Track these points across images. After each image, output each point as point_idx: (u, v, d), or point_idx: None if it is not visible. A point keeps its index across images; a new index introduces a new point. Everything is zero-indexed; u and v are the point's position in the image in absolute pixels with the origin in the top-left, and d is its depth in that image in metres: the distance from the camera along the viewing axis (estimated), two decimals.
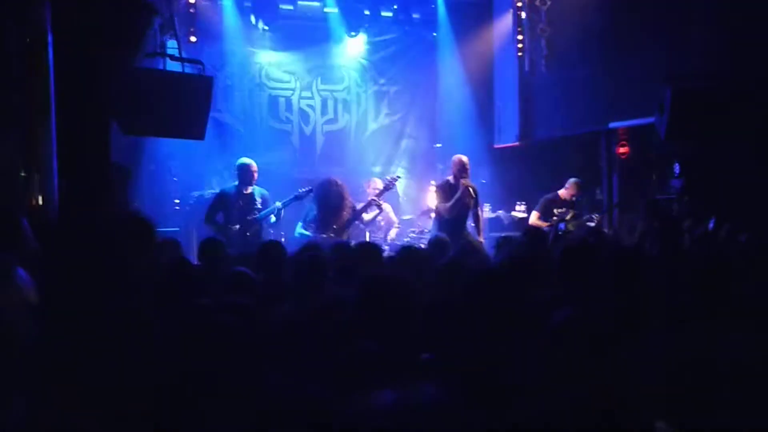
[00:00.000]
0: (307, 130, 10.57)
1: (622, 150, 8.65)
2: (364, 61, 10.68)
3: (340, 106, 10.70)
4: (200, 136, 5.83)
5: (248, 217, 6.94)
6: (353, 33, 10.22)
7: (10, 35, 2.78)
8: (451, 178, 7.29)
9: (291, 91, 10.43)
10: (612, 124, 8.27)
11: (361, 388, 1.02)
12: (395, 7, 10.34)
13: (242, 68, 10.05)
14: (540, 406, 1.24)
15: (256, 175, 7.04)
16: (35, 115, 2.93)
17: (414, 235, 8.67)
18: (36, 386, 1.17)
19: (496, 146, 10.08)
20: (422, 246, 7.90)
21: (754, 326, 2.15)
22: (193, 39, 8.92)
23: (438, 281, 3.41)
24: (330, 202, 6.91)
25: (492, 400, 1.47)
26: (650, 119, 6.83)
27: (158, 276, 3.00)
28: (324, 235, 6.78)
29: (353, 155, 10.57)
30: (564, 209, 7.64)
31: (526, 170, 9.39)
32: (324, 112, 10.64)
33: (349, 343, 2.18)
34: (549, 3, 9.04)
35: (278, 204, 7.00)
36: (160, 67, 6.71)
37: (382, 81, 10.78)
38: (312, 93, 10.53)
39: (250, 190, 7.03)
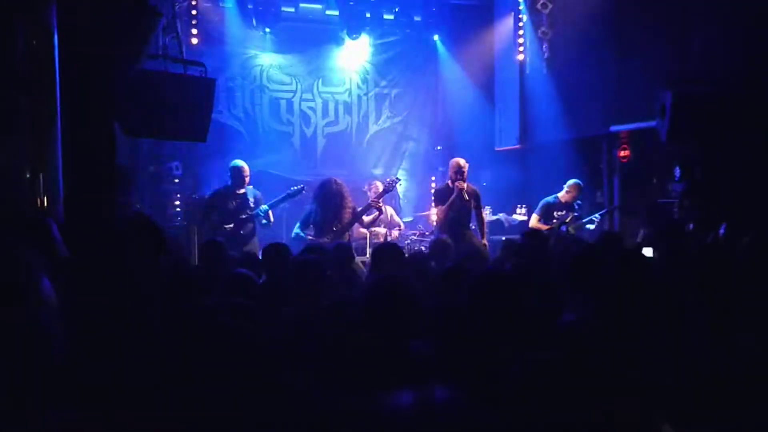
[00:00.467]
0: (308, 132, 10.58)
1: (623, 153, 8.65)
2: (365, 64, 10.69)
3: (341, 109, 10.71)
4: (202, 138, 5.84)
5: (242, 216, 7.15)
6: (355, 35, 10.23)
7: (17, 37, 2.79)
8: (449, 181, 7.33)
9: (292, 93, 10.44)
10: (613, 128, 8.27)
11: (378, 390, 1.02)
12: (397, 9, 10.36)
13: (244, 70, 10.07)
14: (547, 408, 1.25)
15: (248, 177, 7.34)
16: (41, 117, 2.93)
17: (415, 237, 8.68)
18: (66, 394, 1.17)
19: (497, 149, 10.09)
20: (423, 249, 7.96)
21: (759, 332, 2.16)
22: (195, 41, 8.94)
23: (442, 285, 3.41)
24: (330, 201, 6.94)
25: (500, 402, 1.48)
26: (652, 123, 6.83)
27: (158, 277, 3.00)
28: (322, 239, 6.79)
29: (354, 157, 10.59)
30: (564, 212, 7.64)
31: (527, 173, 9.41)
32: (325, 114, 10.65)
33: (359, 343, 2.18)
34: (550, 6, 9.05)
35: (264, 207, 7.18)
36: (162, 69, 6.72)
37: (383, 83, 10.80)
38: (313, 95, 10.54)
39: (243, 190, 7.29)
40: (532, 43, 9.37)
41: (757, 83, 6.31)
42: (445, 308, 2.76)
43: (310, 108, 10.57)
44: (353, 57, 10.55)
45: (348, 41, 10.30)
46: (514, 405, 1.73)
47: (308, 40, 10.28)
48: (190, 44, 8.67)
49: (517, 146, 9.59)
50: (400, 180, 7.92)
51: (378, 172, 10.47)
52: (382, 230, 8.39)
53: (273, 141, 10.26)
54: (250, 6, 9.70)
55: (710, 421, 1.74)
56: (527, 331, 2.57)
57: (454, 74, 10.60)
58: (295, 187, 7.46)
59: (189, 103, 5.55)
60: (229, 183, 7.35)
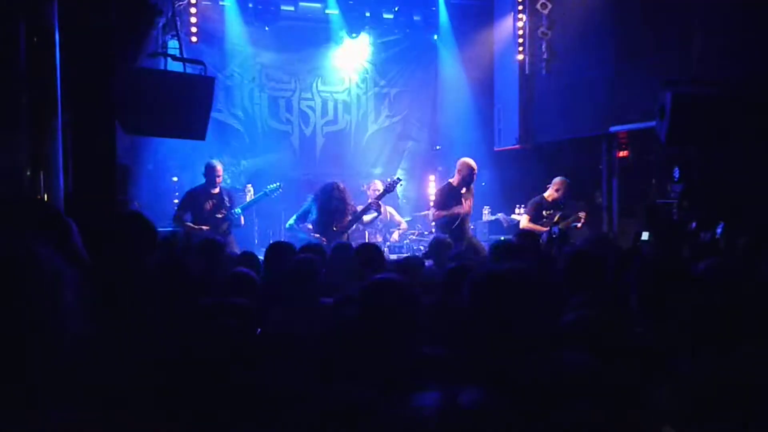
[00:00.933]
0: (307, 131, 10.57)
1: (622, 154, 8.66)
2: (364, 63, 10.69)
3: (340, 108, 10.71)
4: (201, 136, 5.84)
5: (217, 216, 7.16)
6: (354, 35, 10.22)
7: (19, 35, 2.79)
8: (455, 181, 7.29)
9: (291, 92, 10.44)
10: (613, 128, 8.28)
11: (400, 391, 1.02)
12: (396, 9, 10.35)
13: (243, 69, 10.06)
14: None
15: (220, 178, 7.33)
16: (42, 114, 2.93)
17: (414, 237, 8.69)
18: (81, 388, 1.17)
19: (496, 149, 10.09)
20: (422, 248, 7.97)
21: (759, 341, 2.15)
22: (194, 39, 8.93)
23: (444, 285, 3.41)
24: (332, 206, 6.96)
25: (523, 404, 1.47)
26: (651, 123, 6.84)
27: (154, 275, 3.00)
28: (317, 236, 6.84)
29: (353, 157, 10.58)
30: (552, 211, 7.59)
31: (526, 173, 9.40)
32: (324, 113, 10.65)
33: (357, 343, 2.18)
34: (550, 6, 9.06)
35: (238, 210, 7.20)
36: (162, 67, 6.71)
37: (382, 83, 10.79)
38: (312, 94, 10.54)
39: (217, 189, 7.29)
40: (532, 43, 9.37)
41: (757, 85, 6.32)
42: (450, 309, 2.76)
43: (309, 107, 10.56)
44: (353, 56, 10.54)
45: (347, 40, 10.30)
46: (537, 406, 1.73)
47: (308, 38, 10.27)
48: (189, 42, 8.66)
49: (517, 146, 9.59)
50: (401, 180, 7.90)
51: (377, 171, 10.47)
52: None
53: (272, 140, 10.25)
54: (249, 4, 9.69)
55: (710, 421, 1.74)
56: (529, 331, 2.57)
57: (453, 74, 10.60)
58: (271, 186, 7.49)
59: (188, 101, 5.55)
60: (204, 182, 7.33)
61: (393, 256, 7.17)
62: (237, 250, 7.89)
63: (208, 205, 7.18)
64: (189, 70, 6.13)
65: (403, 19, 10.44)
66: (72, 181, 3.02)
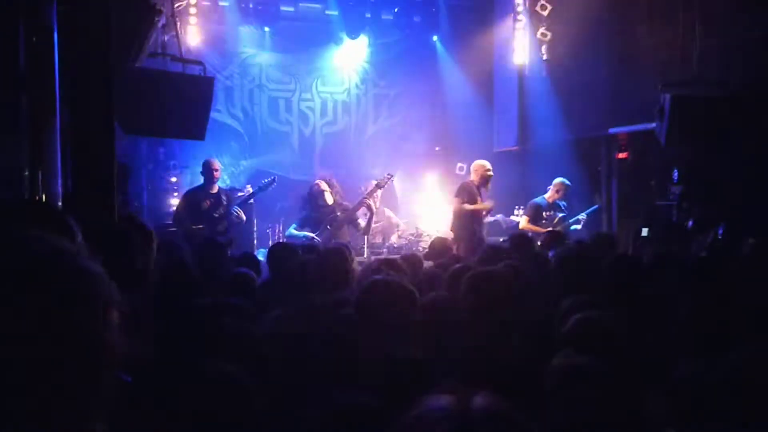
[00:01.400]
0: (307, 131, 10.57)
1: (621, 156, 8.66)
2: (364, 64, 10.69)
3: (339, 109, 10.70)
4: (200, 136, 5.84)
5: (214, 214, 7.10)
6: (354, 35, 10.22)
7: (18, 35, 2.79)
8: (474, 180, 7.37)
9: (291, 93, 10.43)
10: (612, 130, 8.28)
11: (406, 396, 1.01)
12: (396, 10, 10.35)
13: (243, 69, 10.06)
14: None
15: (218, 173, 7.26)
16: (40, 115, 2.93)
17: (412, 238, 8.69)
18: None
19: (495, 150, 10.08)
20: (422, 248, 7.96)
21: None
22: (194, 40, 8.92)
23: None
24: (315, 203, 7.01)
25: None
26: (650, 125, 6.84)
27: (157, 277, 3.00)
28: (313, 235, 6.86)
29: (352, 158, 10.57)
30: (551, 212, 7.60)
31: (525, 175, 9.40)
32: (323, 114, 10.64)
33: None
34: (550, 8, 9.05)
35: (234, 211, 7.17)
36: (162, 67, 6.70)
37: (382, 84, 10.79)
38: (312, 95, 10.53)
39: (215, 189, 7.22)
40: (531, 44, 9.37)
41: (756, 86, 6.33)
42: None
43: (309, 108, 10.55)
44: (352, 57, 10.54)
45: (347, 41, 10.29)
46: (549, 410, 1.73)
47: (307, 39, 10.26)
48: (189, 43, 8.65)
49: (516, 148, 9.58)
50: (393, 175, 7.87)
51: (376, 172, 10.44)
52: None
53: (271, 140, 10.25)
54: (250, 5, 9.68)
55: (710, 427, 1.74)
56: (528, 334, 2.57)
57: (453, 75, 10.59)
58: (265, 180, 7.43)
59: (188, 101, 5.54)
60: (203, 182, 7.29)
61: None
62: (255, 246, 7.90)
63: (206, 204, 7.15)
64: (189, 71, 6.13)
65: (403, 20, 10.45)
66: (71, 182, 3.02)
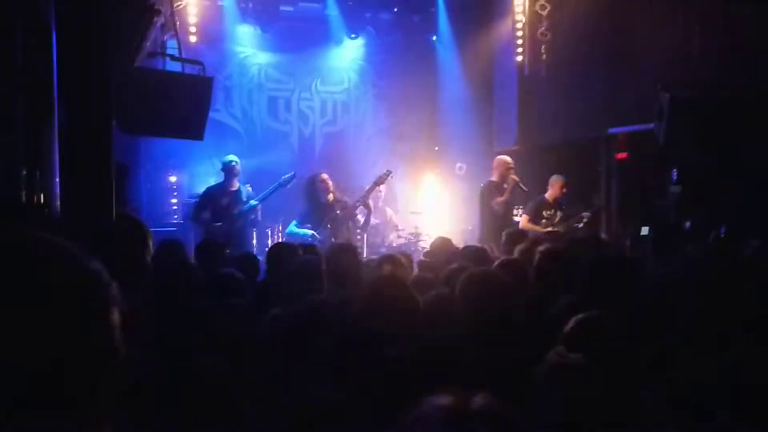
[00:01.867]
0: (306, 131, 10.56)
1: (621, 156, 8.65)
2: (363, 63, 10.68)
3: (339, 108, 10.70)
4: (199, 136, 5.83)
5: (233, 212, 7.10)
6: (353, 35, 10.22)
7: (15, 34, 2.78)
8: (495, 177, 7.37)
9: (290, 92, 10.43)
10: (611, 130, 8.28)
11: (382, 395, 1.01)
12: (395, 9, 10.35)
13: (242, 68, 10.05)
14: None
15: (237, 168, 7.30)
16: (39, 114, 2.93)
17: (411, 237, 8.69)
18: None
19: (495, 150, 10.08)
20: (420, 248, 7.95)
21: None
22: (193, 39, 8.91)
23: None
24: (315, 196, 7.00)
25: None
26: (649, 125, 6.84)
27: (159, 276, 3.00)
28: (313, 232, 6.85)
29: (352, 157, 10.55)
30: (552, 211, 7.55)
31: (524, 174, 9.37)
32: (323, 113, 10.64)
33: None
34: (549, 8, 9.05)
35: (254, 201, 7.15)
36: (161, 67, 6.70)
37: (381, 83, 10.79)
38: (311, 94, 10.53)
39: (236, 186, 7.21)
40: (531, 44, 9.36)
41: (755, 87, 6.33)
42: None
43: (309, 107, 10.55)
44: (352, 56, 10.53)
45: (347, 41, 10.29)
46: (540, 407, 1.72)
47: (307, 38, 10.25)
48: (188, 42, 8.64)
49: (515, 147, 9.58)
50: (392, 172, 7.85)
51: (376, 171, 10.41)
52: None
53: (271, 140, 10.24)
54: (249, 4, 9.68)
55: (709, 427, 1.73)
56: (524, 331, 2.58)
57: (452, 75, 10.59)
58: (286, 176, 7.38)
59: (187, 101, 5.54)
60: (223, 179, 7.29)
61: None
62: (254, 246, 7.91)
63: (225, 201, 7.15)
64: (187, 70, 6.13)
65: (402, 20, 10.44)
66: (69, 181, 3.02)
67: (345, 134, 10.73)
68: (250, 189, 7.47)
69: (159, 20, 5.57)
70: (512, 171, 7.51)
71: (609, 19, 8.14)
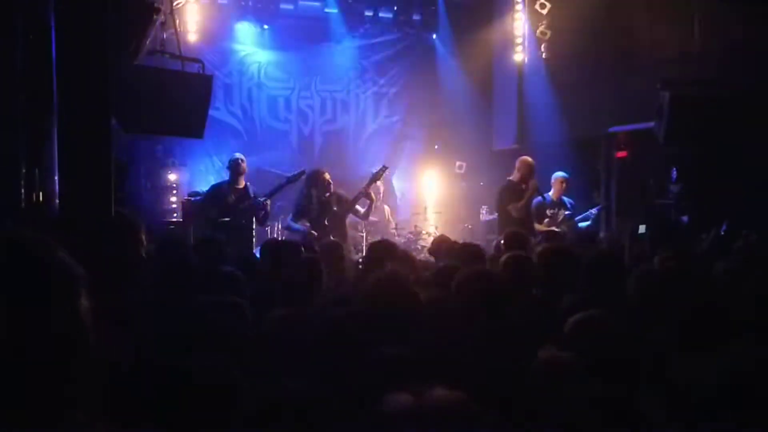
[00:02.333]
0: (306, 130, 10.56)
1: (621, 154, 8.65)
2: (363, 62, 10.67)
3: (338, 107, 10.69)
4: (199, 134, 5.82)
5: (240, 207, 7.06)
6: (353, 33, 10.21)
7: (15, 32, 2.78)
8: (515, 178, 7.25)
9: (290, 91, 10.42)
10: (611, 129, 8.27)
11: (376, 392, 1.02)
12: (395, 8, 10.35)
13: (242, 67, 10.05)
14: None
15: (243, 166, 7.24)
16: (38, 112, 2.93)
17: (412, 236, 8.69)
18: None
19: (494, 149, 10.09)
20: (420, 247, 7.96)
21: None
22: (193, 37, 8.90)
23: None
24: (316, 190, 6.99)
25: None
26: (649, 124, 6.84)
27: (160, 272, 3.00)
28: (309, 229, 6.85)
29: (352, 156, 10.57)
30: (555, 209, 7.52)
31: None
32: (323, 112, 10.63)
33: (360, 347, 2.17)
34: (549, 6, 9.05)
35: (261, 198, 7.13)
36: (160, 65, 6.68)
37: (381, 82, 10.78)
38: (311, 93, 10.52)
39: (242, 184, 7.20)
40: (531, 43, 9.36)
41: (755, 85, 6.33)
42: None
43: (308, 106, 10.54)
44: (352, 55, 10.52)
45: (347, 39, 10.28)
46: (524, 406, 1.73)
47: (307, 37, 10.25)
48: (187, 40, 8.63)
49: (515, 146, 9.57)
50: (387, 167, 7.83)
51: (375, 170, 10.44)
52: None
53: (270, 139, 10.23)
54: (249, 2, 9.67)
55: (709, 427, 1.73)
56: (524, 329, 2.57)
57: (452, 73, 10.59)
58: (295, 172, 7.35)
59: (186, 99, 5.53)
60: (228, 177, 7.30)
61: None
62: (255, 245, 7.89)
63: (232, 198, 7.13)
64: (187, 69, 6.12)
65: (402, 19, 10.45)
66: (68, 179, 3.02)
67: (345, 133, 10.73)
68: (256, 190, 7.45)
69: (158, 18, 5.55)
70: (534, 175, 7.25)
71: (609, 17, 8.14)
